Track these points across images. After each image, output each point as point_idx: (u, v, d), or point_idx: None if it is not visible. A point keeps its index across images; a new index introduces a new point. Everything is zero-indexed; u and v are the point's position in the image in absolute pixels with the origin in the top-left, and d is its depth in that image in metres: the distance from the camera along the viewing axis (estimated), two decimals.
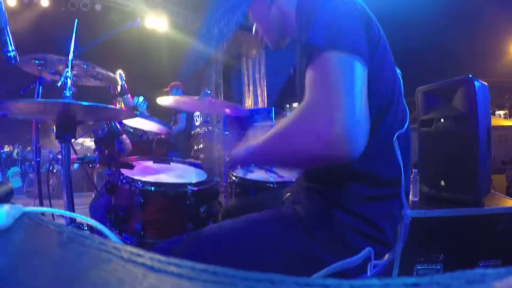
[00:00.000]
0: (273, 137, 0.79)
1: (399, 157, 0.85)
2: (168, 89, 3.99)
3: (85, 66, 1.51)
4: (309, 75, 0.73)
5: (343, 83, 0.68)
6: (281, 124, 0.77)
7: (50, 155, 5.72)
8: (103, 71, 1.59)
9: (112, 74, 1.70)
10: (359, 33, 0.76)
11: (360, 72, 0.70)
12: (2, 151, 7.54)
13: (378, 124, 0.83)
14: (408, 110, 0.96)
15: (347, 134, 0.63)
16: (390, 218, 0.88)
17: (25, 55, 1.54)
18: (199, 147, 1.50)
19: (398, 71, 0.99)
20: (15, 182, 6.21)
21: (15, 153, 7.57)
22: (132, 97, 3.37)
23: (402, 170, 0.86)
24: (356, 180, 0.84)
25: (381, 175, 0.85)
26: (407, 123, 0.92)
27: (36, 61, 1.57)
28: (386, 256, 0.90)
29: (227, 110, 2.30)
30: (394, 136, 0.85)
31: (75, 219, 1.14)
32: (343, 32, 0.73)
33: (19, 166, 7.16)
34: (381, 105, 0.84)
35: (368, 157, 0.82)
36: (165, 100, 2.01)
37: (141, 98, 3.52)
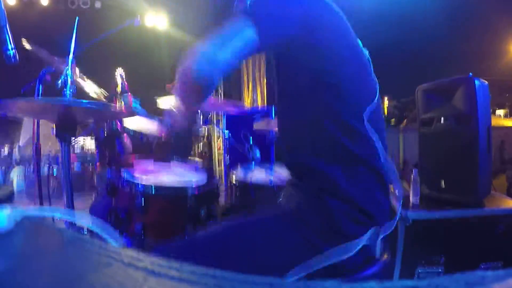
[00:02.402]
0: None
1: (370, 134, 0.89)
2: (172, 85, 3.81)
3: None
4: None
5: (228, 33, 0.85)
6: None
7: (50, 156, 5.69)
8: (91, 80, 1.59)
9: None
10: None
11: (247, 36, 0.82)
12: (2, 150, 7.48)
13: (339, 101, 0.88)
14: (378, 85, 1.00)
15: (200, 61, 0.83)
16: (372, 196, 0.89)
17: (25, 53, 1.54)
18: (200, 146, 1.50)
19: (366, 51, 1.02)
20: (19, 184, 6.10)
21: (16, 152, 7.50)
22: (133, 95, 3.31)
23: (376, 146, 0.89)
24: (332, 161, 0.88)
25: (354, 152, 0.88)
26: (377, 96, 0.96)
27: (36, 60, 1.57)
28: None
29: (228, 109, 2.28)
30: (363, 112, 0.90)
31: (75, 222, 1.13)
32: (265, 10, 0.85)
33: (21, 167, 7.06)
34: (337, 82, 0.89)
35: (336, 134, 0.87)
36: (165, 102, 1.99)
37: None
